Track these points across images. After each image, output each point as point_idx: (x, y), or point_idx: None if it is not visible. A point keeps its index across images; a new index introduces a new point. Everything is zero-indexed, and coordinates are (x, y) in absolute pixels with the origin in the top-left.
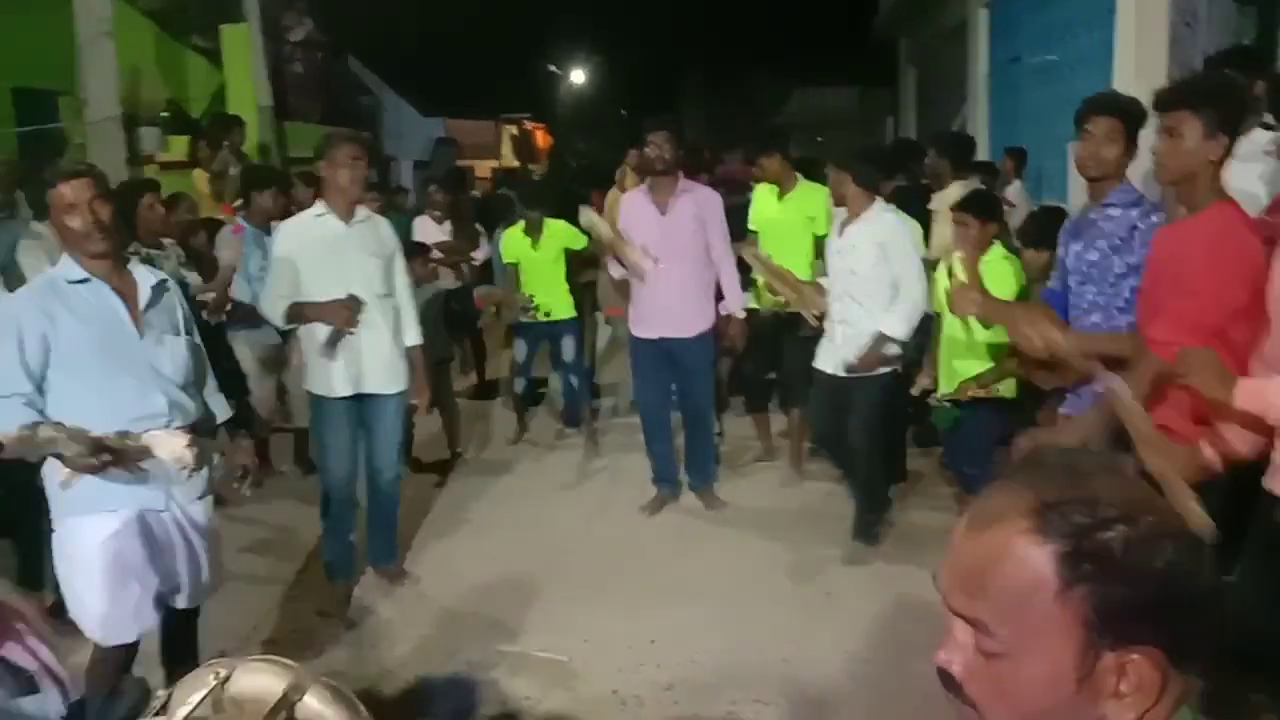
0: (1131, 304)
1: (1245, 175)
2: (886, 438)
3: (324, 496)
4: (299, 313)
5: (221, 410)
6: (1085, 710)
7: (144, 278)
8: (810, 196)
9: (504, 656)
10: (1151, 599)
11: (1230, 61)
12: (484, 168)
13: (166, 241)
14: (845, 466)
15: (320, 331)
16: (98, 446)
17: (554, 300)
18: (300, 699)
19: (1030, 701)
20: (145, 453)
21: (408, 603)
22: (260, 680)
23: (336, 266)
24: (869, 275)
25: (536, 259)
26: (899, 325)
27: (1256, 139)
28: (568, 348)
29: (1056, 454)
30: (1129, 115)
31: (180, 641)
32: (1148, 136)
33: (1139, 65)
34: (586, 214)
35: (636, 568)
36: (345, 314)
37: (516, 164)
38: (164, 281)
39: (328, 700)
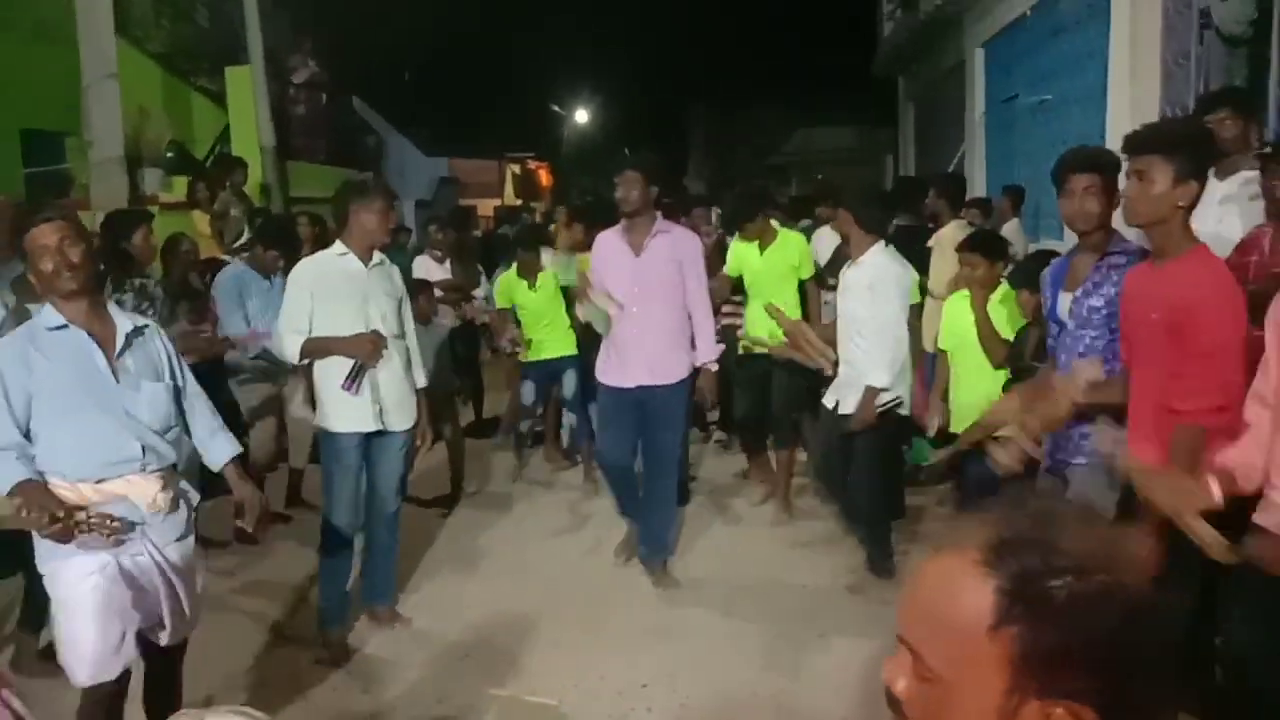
0: None
1: (1229, 215)
2: (887, 476)
3: (326, 537)
4: (320, 347)
5: (229, 448)
6: None
7: (122, 323)
8: (791, 245)
9: (494, 700)
10: (1085, 655)
11: (1221, 101)
12: (487, 207)
13: (148, 280)
14: (841, 499)
15: (340, 367)
16: (52, 519)
17: (554, 338)
18: None
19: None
20: (120, 529)
21: (399, 644)
22: None
23: (359, 305)
24: (866, 317)
25: (534, 299)
26: (882, 375)
27: (1241, 177)
28: (569, 384)
29: (1041, 500)
30: (1102, 166)
31: (162, 684)
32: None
33: (1133, 104)
34: (549, 255)
35: (629, 608)
36: (370, 347)
37: (519, 202)
38: (143, 327)
39: None
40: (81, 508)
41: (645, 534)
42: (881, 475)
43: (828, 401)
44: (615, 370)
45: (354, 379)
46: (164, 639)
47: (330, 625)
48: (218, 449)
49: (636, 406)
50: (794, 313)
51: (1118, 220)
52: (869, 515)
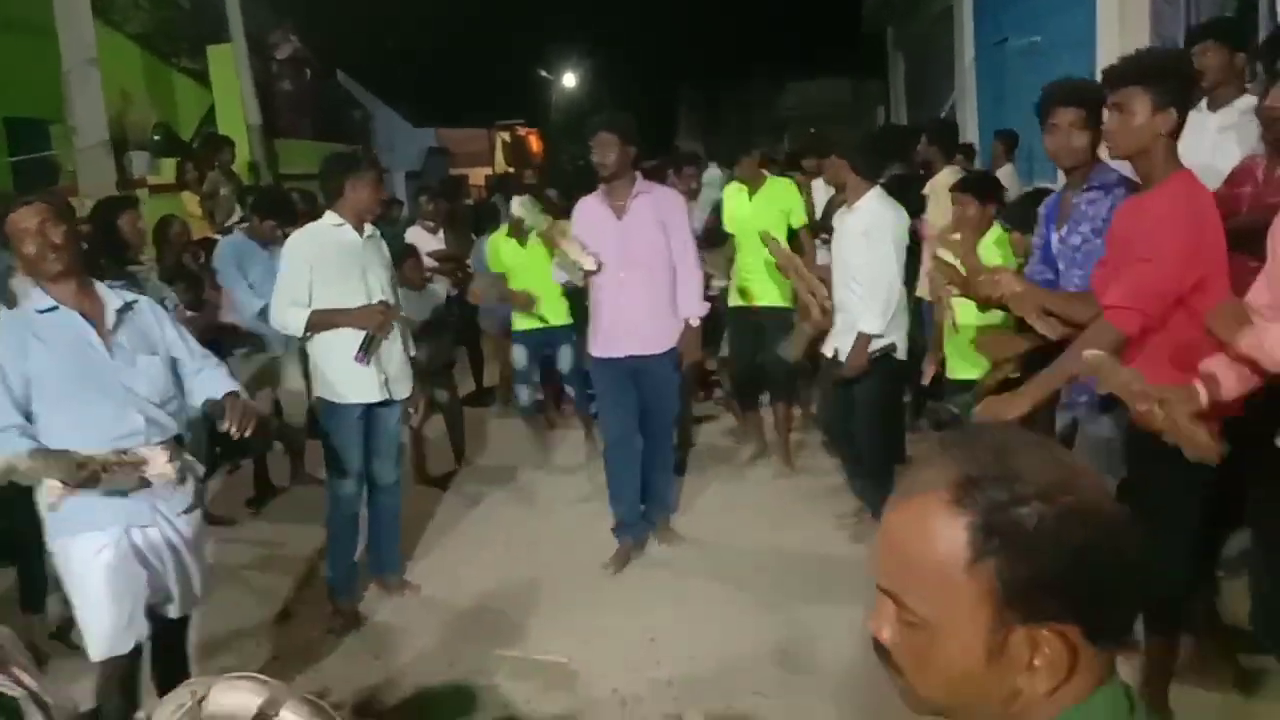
0: None
1: (1226, 145)
2: (888, 424)
3: (332, 509)
4: (328, 320)
5: (230, 384)
6: (1001, 681)
7: (110, 299)
8: (781, 190)
9: (504, 661)
10: (1062, 576)
11: (1211, 33)
12: (478, 175)
13: (144, 258)
14: (847, 452)
15: (344, 339)
16: (79, 465)
17: (548, 306)
18: (276, 714)
19: (948, 671)
20: (137, 466)
21: (408, 611)
22: (236, 697)
23: (359, 277)
24: (860, 264)
25: (526, 260)
26: (875, 321)
27: (1240, 105)
28: (565, 356)
29: (990, 430)
30: (1089, 101)
31: (170, 655)
32: None
33: (1122, 43)
34: (519, 202)
35: (634, 568)
36: (381, 318)
37: (510, 170)
38: (132, 302)
39: (305, 715)
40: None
41: (648, 493)
42: (882, 422)
43: (826, 350)
44: (604, 341)
45: (366, 350)
46: (172, 611)
47: (340, 595)
48: (219, 386)
49: (630, 375)
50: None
51: (1103, 153)
52: (870, 462)
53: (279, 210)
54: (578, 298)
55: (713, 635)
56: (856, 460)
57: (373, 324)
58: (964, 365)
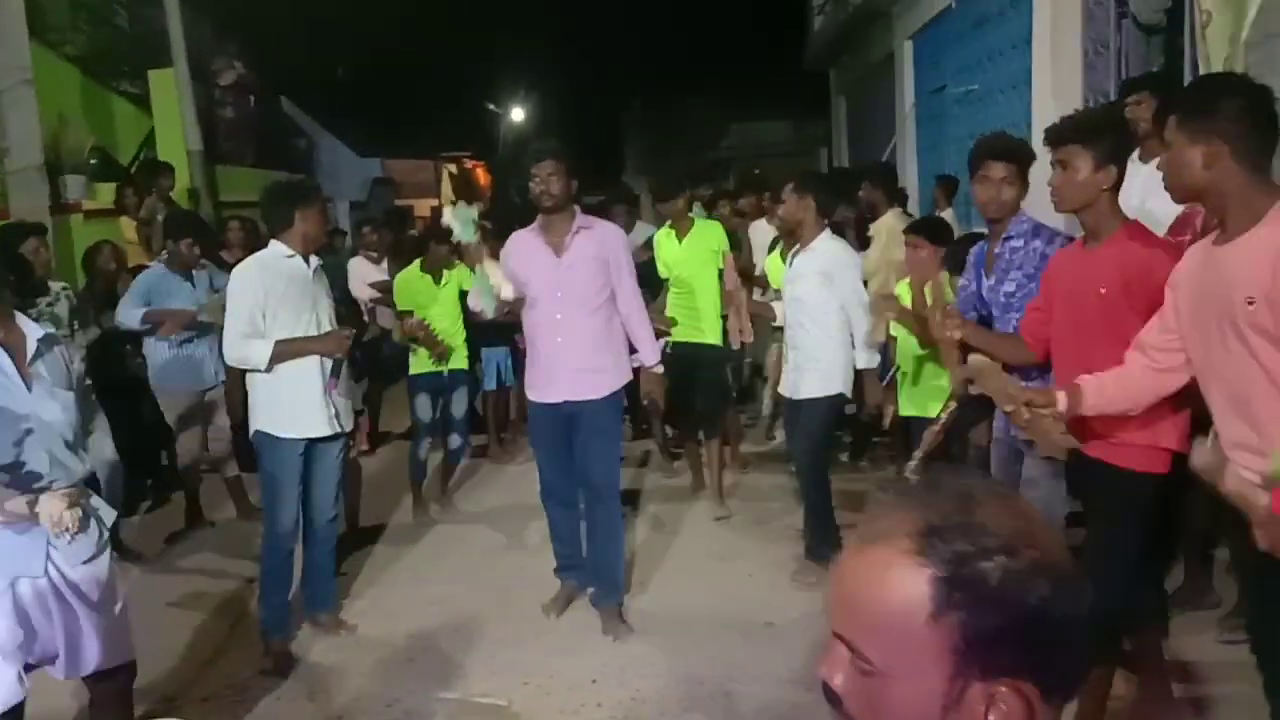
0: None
1: (1154, 195)
2: (824, 457)
3: (269, 545)
4: (294, 349)
5: (106, 452)
6: None
7: (31, 330)
8: (709, 231)
9: (443, 704)
10: (1023, 632)
11: (1146, 86)
12: (423, 206)
13: (55, 286)
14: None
15: (292, 372)
16: None
17: (453, 348)
18: None
19: (896, 712)
20: (21, 515)
21: (344, 651)
22: None
23: (310, 307)
24: (815, 302)
25: (440, 296)
26: (868, 355)
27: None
28: (459, 403)
29: (952, 479)
30: (1019, 157)
31: (106, 714)
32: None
33: (1055, 91)
34: (454, 211)
35: (574, 607)
36: (343, 342)
37: (454, 201)
38: (52, 334)
39: None
40: None
41: (594, 571)
42: (820, 455)
43: (784, 390)
44: (541, 385)
45: (336, 376)
46: (59, 672)
47: (273, 634)
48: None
49: (564, 422)
50: (715, 301)
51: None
52: (814, 500)
53: (193, 230)
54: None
55: (654, 677)
56: (804, 493)
57: (341, 350)
58: (912, 404)
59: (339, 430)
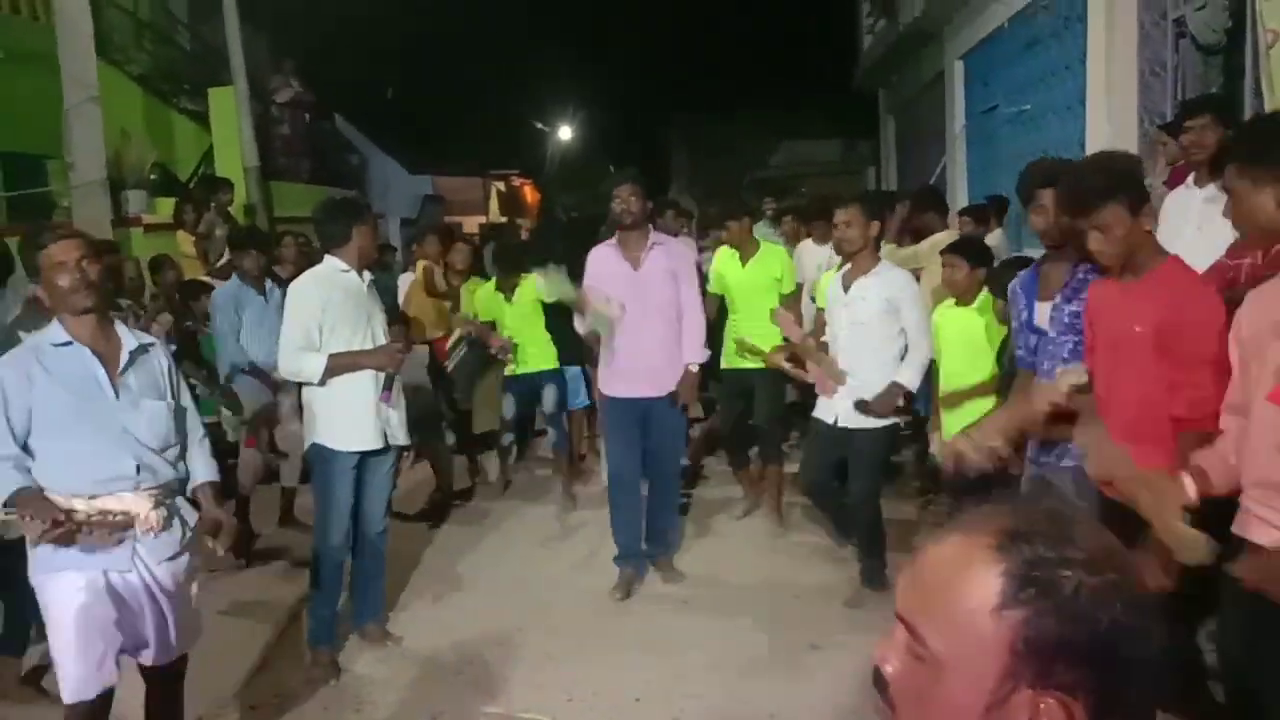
0: None
1: (1212, 219)
2: (879, 485)
3: (318, 558)
4: (347, 363)
5: (208, 471)
6: None
7: (128, 340)
8: (773, 258)
9: (486, 717)
10: (1086, 647)
11: (1202, 108)
12: (471, 224)
13: (123, 303)
14: (834, 515)
15: (347, 385)
16: (55, 523)
17: (534, 351)
18: None
19: (942, 715)
20: (122, 523)
21: (390, 662)
22: None
23: (365, 321)
24: (877, 328)
25: (511, 313)
26: (913, 377)
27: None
28: (549, 398)
29: (1049, 500)
30: None
31: (162, 705)
32: None
33: (1110, 113)
34: (543, 275)
35: (621, 621)
36: (401, 357)
37: (504, 219)
38: (147, 345)
39: None
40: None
41: (651, 531)
42: (878, 481)
43: (825, 415)
44: (617, 382)
45: (390, 390)
46: (148, 659)
47: (320, 644)
48: (197, 470)
49: (639, 415)
50: (775, 329)
51: None
52: (869, 526)
53: (255, 244)
54: (563, 342)
55: (698, 697)
56: (848, 523)
57: (394, 364)
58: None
59: (391, 444)
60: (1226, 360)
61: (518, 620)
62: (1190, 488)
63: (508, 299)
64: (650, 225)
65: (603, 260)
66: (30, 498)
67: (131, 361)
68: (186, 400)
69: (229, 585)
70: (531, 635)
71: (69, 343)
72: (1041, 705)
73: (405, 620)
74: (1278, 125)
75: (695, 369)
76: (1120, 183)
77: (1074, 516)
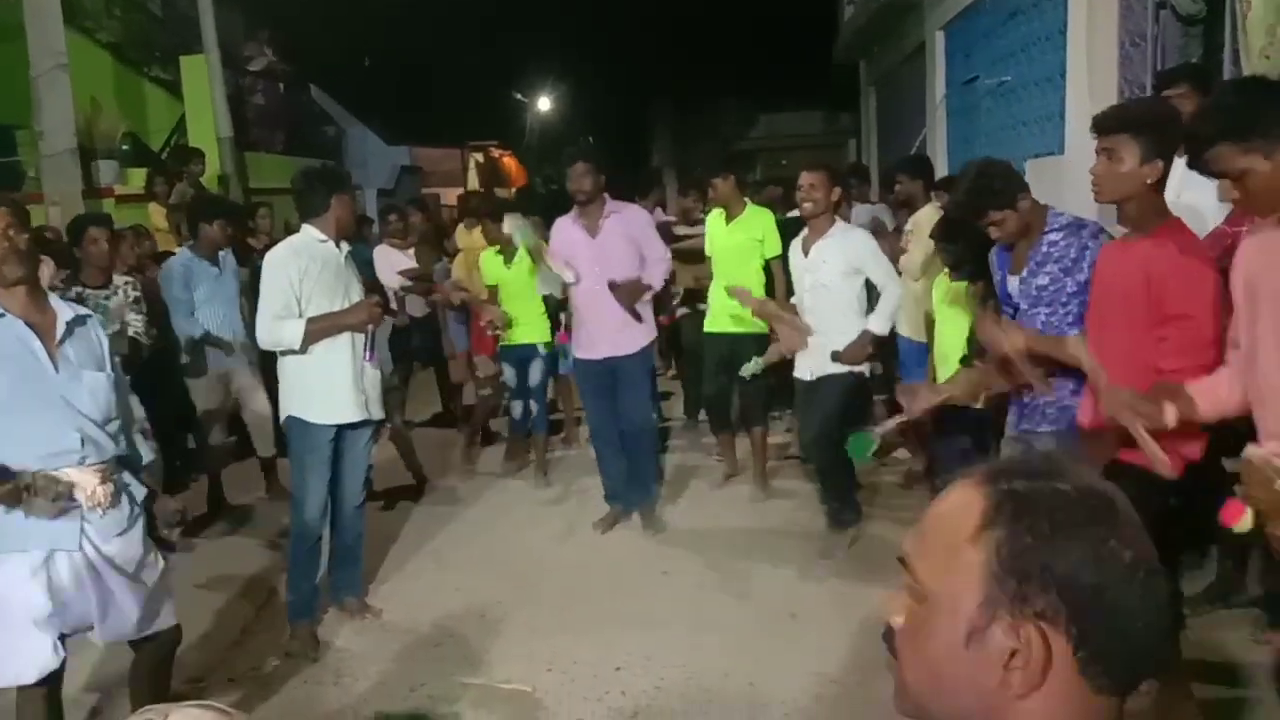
0: (1080, 319)
1: (1192, 185)
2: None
3: (297, 531)
4: (326, 325)
5: (145, 454)
6: (975, 677)
7: (62, 311)
8: (758, 219)
9: (467, 689)
10: (1061, 573)
11: (1180, 77)
12: (450, 195)
13: (117, 279)
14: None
15: (323, 358)
16: (7, 476)
17: (528, 321)
18: None
19: (929, 655)
20: (65, 488)
21: (369, 636)
22: None
23: (343, 291)
24: (840, 289)
25: (510, 276)
26: (883, 323)
27: None
28: (535, 372)
29: (1061, 456)
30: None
31: (149, 679)
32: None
33: (1090, 84)
34: (511, 219)
35: (601, 593)
36: (374, 310)
37: (482, 191)
38: (84, 316)
39: None
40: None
41: (630, 482)
42: (837, 434)
43: (802, 374)
44: (585, 344)
45: (372, 348)
46: (97, 636)
47: (300, 618)
48: (144, 451)
49: (608, 374)
50: (758, 291)
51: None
52: (826, 466)
53: (223, 212)
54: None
55: (677, 666)
56: (819, 470)
57: (374, 319)
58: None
59: (369, 417)
60: (1213, 317)
61: (498, 593)
62: (1170, 412)
63: (506, 263)
64: (605, 195)
65: (564, 229)
66: None
67: (69, 333)
68: (120, 375)
69: (208, 559)
70: (512, 607)
71: (1, 315)
72: (1021, 633)
73: (385, 593)
74: (1246, 92)
75: (656, 287)
76: (1146, 124)
77: (1066, 460)
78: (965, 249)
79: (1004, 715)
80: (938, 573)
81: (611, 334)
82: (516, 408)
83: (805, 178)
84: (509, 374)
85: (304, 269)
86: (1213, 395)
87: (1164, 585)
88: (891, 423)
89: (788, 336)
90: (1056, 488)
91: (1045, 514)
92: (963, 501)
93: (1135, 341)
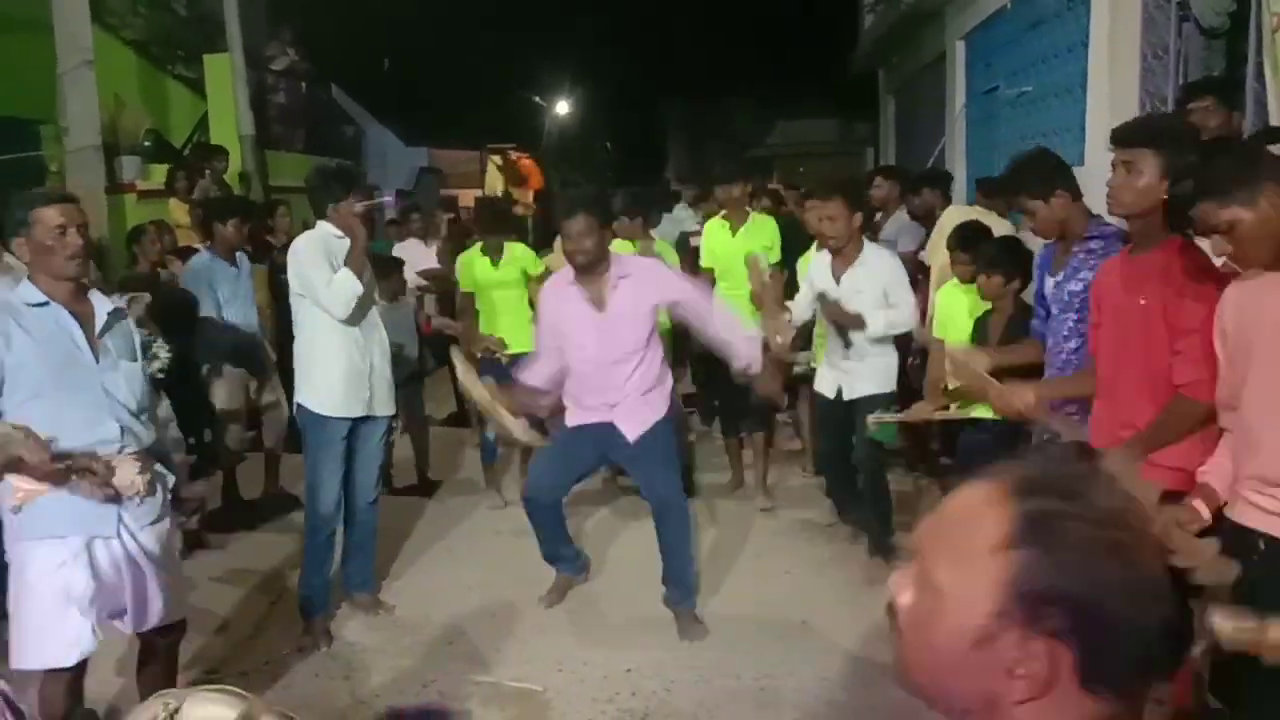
0: None
1: None
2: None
3: (311, 525)
4: (355, 262)
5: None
6: (978, 676)
7: (101, 303)
8: (763, 228)
9: (478, 687)
10: (1078, 599)
11: (1205, 90)
12: (468, 197)
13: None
14: (846, 489)
15: (337, 352)
16: (59, 455)
17: (516, 331)
18: None
19: (938, 644)
20: (108, 471)
21: (382, 632)
22: (210, 711)
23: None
24: (874, 316)
25: (498, 280)
26: (881, 322)
27: None
28: None
29: (1076, 461)
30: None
31: (156, 668)
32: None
33: (1112, 96)
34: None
35: (613, 596)
36: (366, 219)
37: (499, 193)
38: (120, 309)
39: None
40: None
41: (667, 575)
42: (880, 453)
43: (826, 390)
44: (582, 412)
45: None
46: (126, 628)
47: (312, 613)
48: (169, 442)
49: (605, 442)
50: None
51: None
52: (875, 493)
53: (239, 212)
54: None
55: (688, 669)
56: (854, 499)
57: (362, 219)
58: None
59: (380, 413)
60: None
61: (510, 594)
62: (1203, 509)
63: (494, 263)
64: (610, 256)
65: (561, 300)
66: (27, 429)
67: (109, 325)
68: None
69: (222, 553)
70: (523, 607)
71: (45, 303)
72: (1028, 646)
73: (397, 589)
74: (1221, 153)
75: (762, 365)
76: (1168, 139)
77: (1095, 477)
78: (980, 256)
79: (1002, 717)
80: (951, 572)
81: (624, 418)
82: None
83: (821, 209)
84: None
85: (331, 255)
86: (1225, 474)
87: (1176, 600)
88: (887, 416)
89: (768, 330)
90: (1084, 513)
91: (1072, 542)
92: (988, 509)
93: (1155, 359)
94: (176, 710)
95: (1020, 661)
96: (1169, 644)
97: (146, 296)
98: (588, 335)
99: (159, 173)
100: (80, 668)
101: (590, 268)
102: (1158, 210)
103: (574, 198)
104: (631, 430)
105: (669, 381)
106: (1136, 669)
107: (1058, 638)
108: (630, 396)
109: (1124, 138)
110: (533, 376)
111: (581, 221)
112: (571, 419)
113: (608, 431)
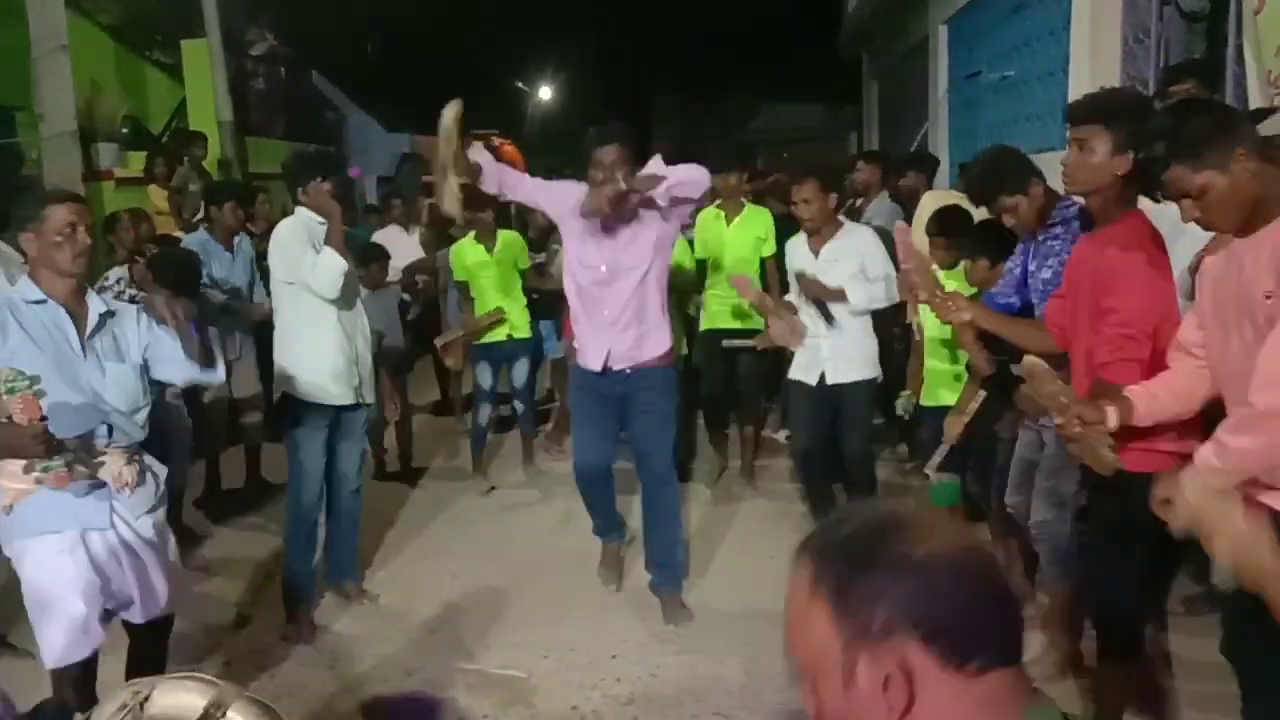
0: None
1: None
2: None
3: (294, 515)
4: (335, 241)
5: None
6: (869, 713)
7: (95, 304)
8: (758, 218)
9: (463, 674)
10: (881, 591)
11: (1187, 73)
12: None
13: (112, 274)
14: (823, 500)
15: (320, 340)
16: (48, 434)
17: (511, 316)
18: (223, 714)
19: (835, 712)
20: (93, 465)
21: (366, 620)
22: (181, 698)
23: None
24: (850, 288)
25: (493, 263)
26: (861, 296)
27: None
28: (520, 372)
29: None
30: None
31: (146, 662)
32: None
33: (1093, 79)
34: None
35: (597, 582)
36: (333, 193)
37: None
38: (112, 311)
39: (252, 715)
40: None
41: (654, 558)
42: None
43: (807, 377)
44: (588, 353)
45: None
46: (134, 617)
47: (296, 602)
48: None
49: (616, 398)
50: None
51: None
52: (867, 483)
53: (236, 195)
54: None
55: (674, 655)
56: (853, 482)
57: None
58: (939, 392)
59: (361, 400)
60: (1140, 313)
61: (495, 581)
62: (1112, 418)
63: (488, 249)
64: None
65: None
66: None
67: (100, 325)
68: (164, 337)
69: (205, 543)
70: (508, 596)
71: (44, 300)
72: (879, 657)
73: (382, 579)
74: (1191, 112)
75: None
76: (1120, 115)
77: (857, 505)
78: (965, 242)
79: None
80: (805, 645)
81: (626, 346)
82: (484, 412)
83: (798, 190)
84: (483, 375)
85: (313, 239)
86: (1149, 399)
87: (979, 556)
88: (938, 456)
89: (780, 332)
90: (848, 530)
91: (847, 555)
92: (797, 576)
93: (1086, 336)
94: (146, 698)
95: (880, 672)
96: (998, 602)
97: (125, 277)
98: (594, 251)
99: (137, 160)
100: (91, 665)
101: (618, 206)
102: (1114, 186)
103: (608, 128)
104: (637, 360)
105: (669, 334)
106: (982, 628)
107: (894, 635)
108: (630, 323)
109: (1076, 115)
110: (488, 164)
111: (613, 150)
112: (580, 358)
113: (609, 387)
